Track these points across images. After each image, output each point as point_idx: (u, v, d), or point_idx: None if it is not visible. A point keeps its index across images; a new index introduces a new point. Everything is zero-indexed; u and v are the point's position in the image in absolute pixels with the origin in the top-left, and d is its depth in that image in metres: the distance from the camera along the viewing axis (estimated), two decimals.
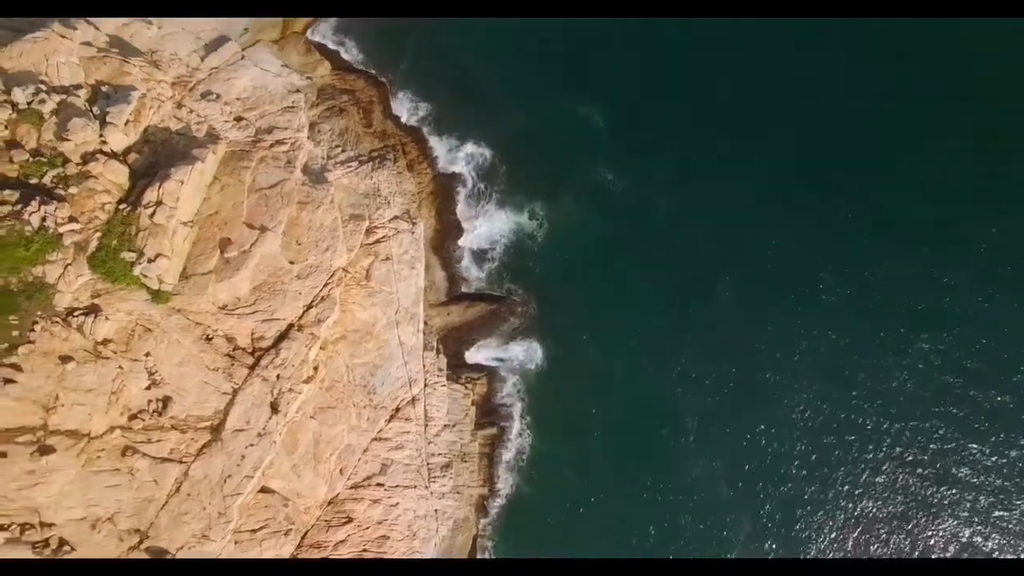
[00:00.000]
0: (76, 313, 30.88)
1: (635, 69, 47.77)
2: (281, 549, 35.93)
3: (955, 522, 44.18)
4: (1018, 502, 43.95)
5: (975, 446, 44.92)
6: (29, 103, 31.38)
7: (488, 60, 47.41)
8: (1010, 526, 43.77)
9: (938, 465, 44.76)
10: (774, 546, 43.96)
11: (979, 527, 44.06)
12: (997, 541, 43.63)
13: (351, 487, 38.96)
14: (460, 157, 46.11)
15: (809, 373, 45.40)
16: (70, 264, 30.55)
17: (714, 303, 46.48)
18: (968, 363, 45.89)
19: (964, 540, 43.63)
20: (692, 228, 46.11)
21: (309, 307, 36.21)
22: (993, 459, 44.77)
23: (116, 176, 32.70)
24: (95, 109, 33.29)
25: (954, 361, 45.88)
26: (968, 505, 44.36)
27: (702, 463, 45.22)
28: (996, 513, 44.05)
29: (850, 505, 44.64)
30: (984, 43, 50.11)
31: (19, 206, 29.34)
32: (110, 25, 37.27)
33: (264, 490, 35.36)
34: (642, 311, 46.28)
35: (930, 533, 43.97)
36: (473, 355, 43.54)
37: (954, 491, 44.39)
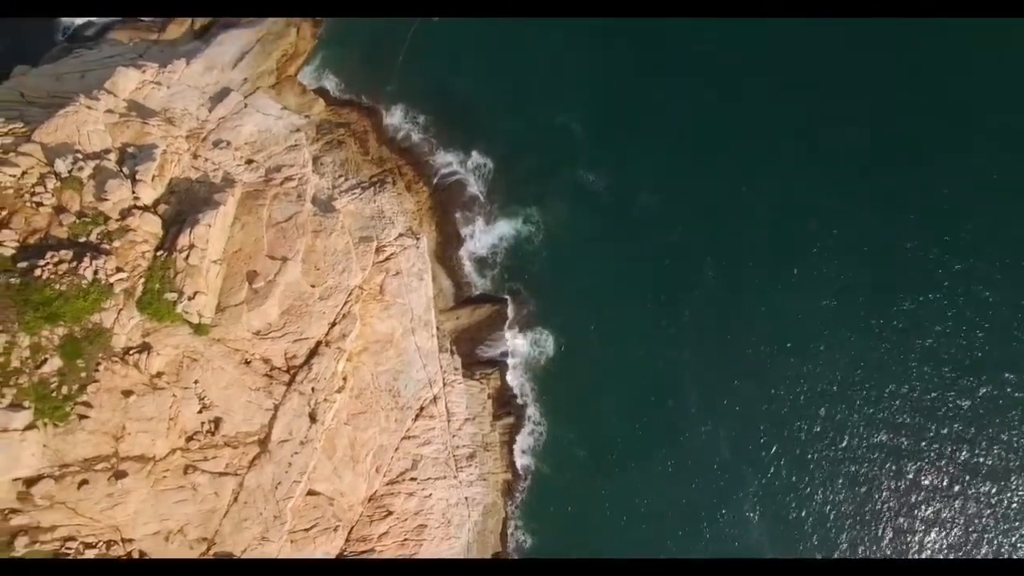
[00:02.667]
0: (131, 351, 34.71)
1: (604, 75, 51.56)
2: (332, 544, 39.87)
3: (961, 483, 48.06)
4: None
5: (965, 401, 48.93)
6: (70, 171, 35.16)
7: (467, 76, 51.02)
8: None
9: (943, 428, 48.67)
10: (781, 503, 47.87)
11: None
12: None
13: (387, 483, 42.86)
14: (452, 173, 50.00)
15: (792, 339, 49.47)
16: (122, 309, 34.33)
17: (701, 283, 50.43)
18: (948, 327, 49.89)
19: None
20: (671, 216, 50.07)
21: (333, 324, 40.04)
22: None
23: (151, 227, 36.51)
24: (125, 169, 37.10)
25: (947, 325, 49.67)
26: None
27: (706, 430, 49.20)
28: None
29: (852, 468, 48.32)
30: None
31: (74, 263, 33.12)
32: (125, 91, 41.13)
33: (311, 492, 39.24)
34: (636, 296, 50.20)
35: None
36: (484, 352, 47.55)
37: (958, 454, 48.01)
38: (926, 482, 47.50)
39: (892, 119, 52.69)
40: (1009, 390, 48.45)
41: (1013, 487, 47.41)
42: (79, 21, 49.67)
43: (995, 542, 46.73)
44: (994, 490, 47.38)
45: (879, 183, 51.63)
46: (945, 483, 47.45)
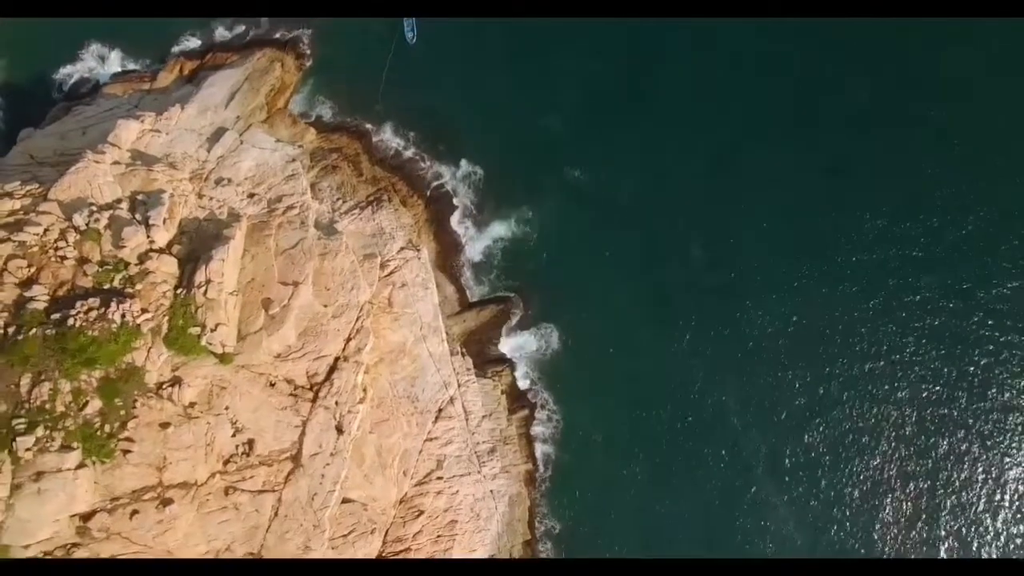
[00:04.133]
0: (164, 386, 36.92)
1: (580, 74, 53.66)
2: (370, 547, 42.11)
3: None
4: None
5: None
6: (87, 224, 37.33)
7: (447, 90, 52.94)
8: None
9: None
10: (792, 468, 50.37)
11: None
12: None
13: (416, 485, 45.13)
14: (444, 183, 52.22)
15: (776, 306, 51.90)
16: (151, 347, 36.51)
17: (693, 264, 52.72)
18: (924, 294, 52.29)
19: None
20: (658, 203, 52.34)
21: (348, 340, 42.23)
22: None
23: (168, 267, 38.68)
24: (137, 216, 39.25)
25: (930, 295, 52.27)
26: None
27: (712, 403, 51.53)
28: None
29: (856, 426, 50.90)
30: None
31: (102, 309, 35.25)
32: (128, 142, 43.34)
33: (345, 500, 41.47)
34: (632, 283, 52.52)
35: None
36: (493, 351, 49.89)
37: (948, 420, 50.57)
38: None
39: (870, 104, 55.07)
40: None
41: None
42: (73, 79, 51.82)
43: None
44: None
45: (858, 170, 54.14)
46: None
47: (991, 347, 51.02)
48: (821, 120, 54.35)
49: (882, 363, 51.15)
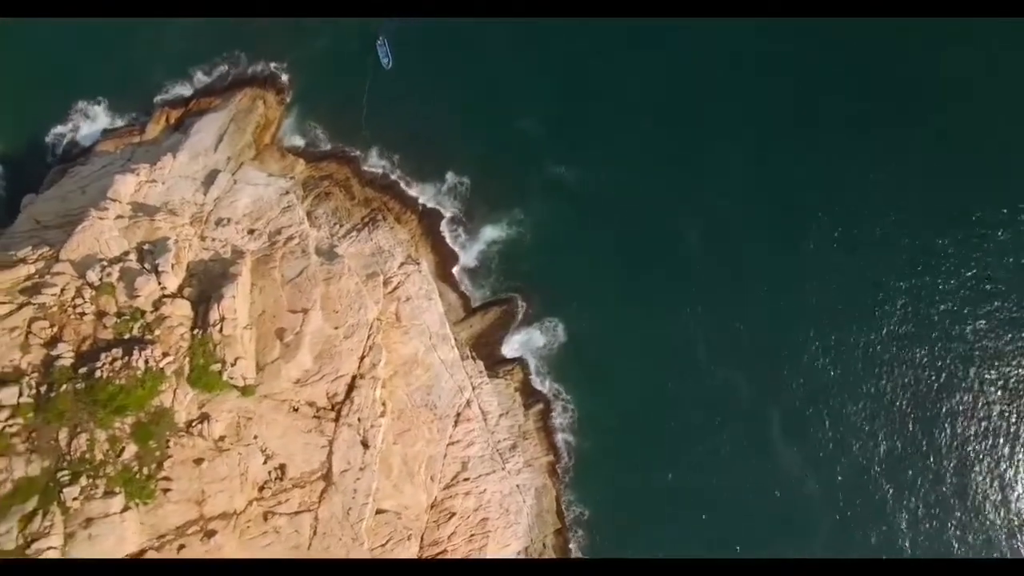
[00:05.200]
0: (193, 424, 38.50)
1: (549, 74, 55.32)
2: (408, 553, 43.76)
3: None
4: None
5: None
6: (100, 279, 38.92)
7: (427, 107, 54.48)
8: None
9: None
10: (803, 428, 52.53)
11: None
12: None
13: (444, 488, 46.78)
14: (434, 196, 53.79)
15: (776, 283, 54.17)
16: (176, 388, 38.10)
17: (682, 243, 54.48)
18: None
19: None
20: (642, 190, 53.99)
21: (362, 358, 43.83)
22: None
23: (182, 311, 40.28)
24: (146, 265, 40.85)
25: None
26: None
27: (720, 374, 53.32)
28: None
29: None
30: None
31: (126, 358, 36.84)
32: (127, 195, 44.93)
33: (379, 511, 43.11)
34: (627, 268, 54.30)
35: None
36: (502, 351, 51.52)
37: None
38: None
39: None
40: None
41: None
42: (65, 140, 53.31)
43: None
44: None
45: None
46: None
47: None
48: (786, 97, 56.32)
49: (873, 336, 53.45)
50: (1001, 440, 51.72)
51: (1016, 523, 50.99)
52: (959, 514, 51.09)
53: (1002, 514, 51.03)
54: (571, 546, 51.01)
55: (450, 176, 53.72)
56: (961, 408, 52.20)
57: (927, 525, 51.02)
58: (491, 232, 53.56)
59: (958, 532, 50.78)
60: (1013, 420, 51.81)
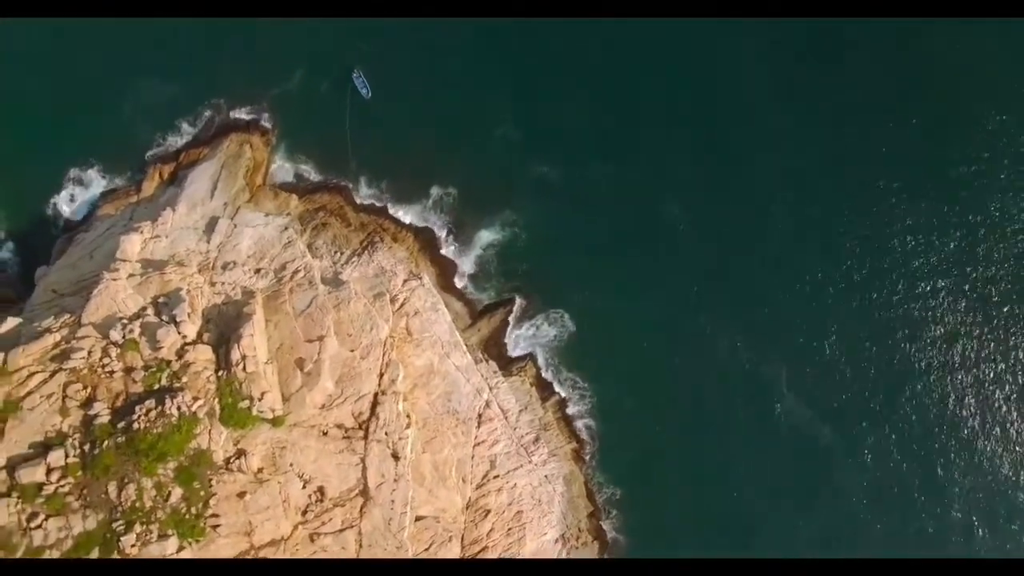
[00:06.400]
0: (231, 460, 40.41)
1: (521, 80, 56.99)
2: (451, 554, 45.84)
3: None
4: None
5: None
6: (123, 337, 40.81)
7: (408, 128, 56.04)
8: None
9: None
10: (809, 380, 54.79)
11: None
12: None
13: (476, 488, 48.75)
14: (426, 211, 55.55)
15: (762, 251, 56.60)
16: (210, 429, 39.97)
17: (671, 224, 56.55)
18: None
19: None
20: (623, 177, 55.96)
21: (381, 375, 45.72)
22: None
23: (205, 355, 42.19)
24: (164, 317, 42.71)
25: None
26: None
27: (724, 344, 55.54)
28: None
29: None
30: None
31: (159, 408, 38.75)
32: (134, 254, 46.73)
33: (419, 518, 45.11)
34: (621, 254, 56.18)
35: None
36: (512, 349, 53.42)
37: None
38: None
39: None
40: None
41: None
42: (65, 211, 54.99)
43: None
44: None
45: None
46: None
47: None
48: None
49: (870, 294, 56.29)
50: None
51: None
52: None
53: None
54: (605, 526, 52.94)
55: (438, 190, 55.38)
56: None
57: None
58: (486, 236, 55.34)
59: None
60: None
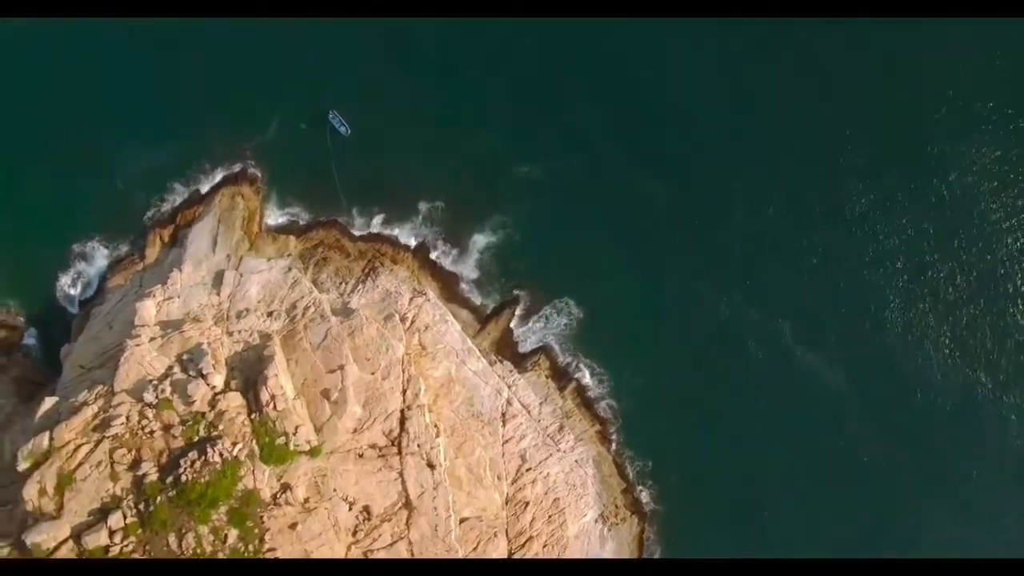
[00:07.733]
0: (278, 495, 42.57)
1: (497, 87, 58.89)
2: (499, 549, 47.95)
3: None
4: None
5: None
6: (157, 397, 43.00)
7: (393, 154, 57.63)
8: None
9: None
10: (813, 339, 57.37)
11: None
12: None
13: (512, 483, 50.85)
14: (419, 229, 57.51)
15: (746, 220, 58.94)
16: (254, 470, 42.13)
17: (654, 201, 58.58)
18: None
19: None
20: (611, 169, 58.25)
21: (404, 392, 47.83)
22: None
23: (236, 402, 44.27)
24: (191, 372, 44.87)
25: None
26: None
27: (723, 310, 57.67)
28: None
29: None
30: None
31: (202, 458, 40.91)
32: (151, 318, 48.75)
33: (462, 520, 47.22)
34: (612, 237, 58.26)
35: None
36: (523, 346, 55.50)
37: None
38: None
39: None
40: None
41: None
42: (76, 290, 56.87)
43: None
44: None
45: None
46: None
47: None
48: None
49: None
50: None
51: None
52: None
53: None
54: (643, 499, 54.93)
55: (425, 204, 57.12)
56: None
57: None
58: (480, 241, 57.29)
59: None
60: None
